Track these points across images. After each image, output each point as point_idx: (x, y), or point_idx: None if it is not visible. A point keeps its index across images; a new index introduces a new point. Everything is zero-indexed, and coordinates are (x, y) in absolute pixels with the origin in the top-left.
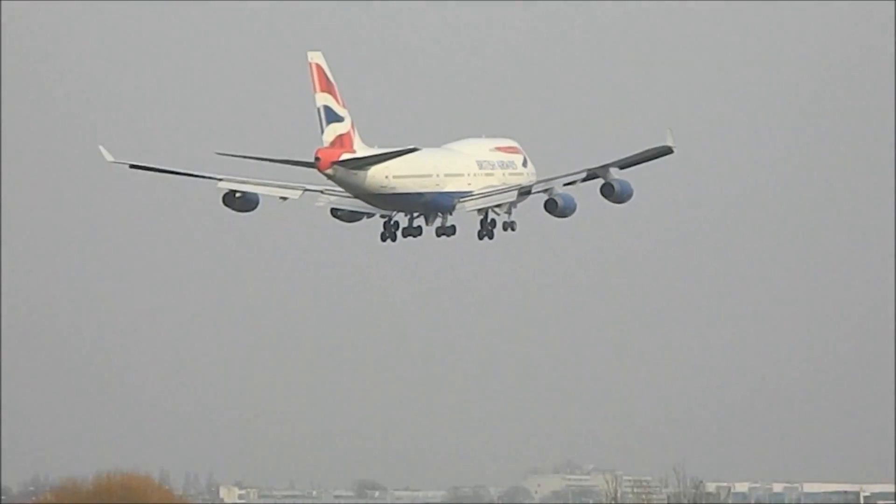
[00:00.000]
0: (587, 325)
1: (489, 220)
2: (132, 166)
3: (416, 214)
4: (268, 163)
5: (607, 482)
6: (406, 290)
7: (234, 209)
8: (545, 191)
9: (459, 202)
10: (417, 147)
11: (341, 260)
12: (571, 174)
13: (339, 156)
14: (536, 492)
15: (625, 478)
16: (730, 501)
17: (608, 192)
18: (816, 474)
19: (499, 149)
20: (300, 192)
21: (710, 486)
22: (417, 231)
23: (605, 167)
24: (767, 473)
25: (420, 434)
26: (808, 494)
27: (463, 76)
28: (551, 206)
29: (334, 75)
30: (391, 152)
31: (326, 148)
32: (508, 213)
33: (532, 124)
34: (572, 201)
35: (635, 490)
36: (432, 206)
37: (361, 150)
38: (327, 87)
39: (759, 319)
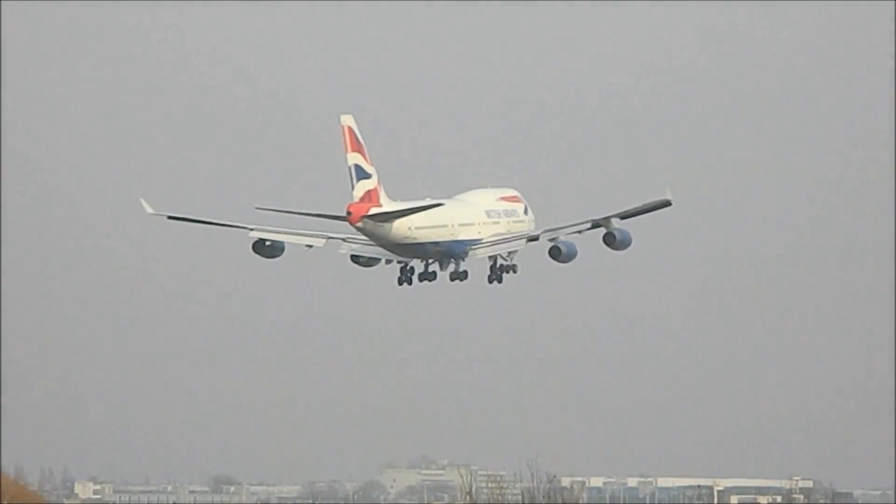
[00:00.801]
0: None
1: (498, 266)
2: (170, 217)
3: (431, 260)
4: (291, 214)
5: (462, 477)
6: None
7: (262, 256)
8: (550, 238)
9: (471, 249)
10: (443, 202)
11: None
12: (577, 224)
13: (369, 210)
14: (392, 487)
15: (479, 472)
16: (584, 496)
17: (610, 240)
18: (670, 469)
19: (503, 198)
20: (324, 241)
21: (565, 481)
22: (432, 276)
23: (608, 218)
24: (622, 468)
25: (275, 429)
26: (662, 489)
27: (465, 129)
28: (555, 253)
29: (363, 136)
30: (417, 207)
31: (357, 203)
32: (509, 257)
33: (530, 174)
34: (574, 248)
35: (490, 485)
36: (447, 254)
37: (387, 204)
38: (357, 148)
39: (642, 319)
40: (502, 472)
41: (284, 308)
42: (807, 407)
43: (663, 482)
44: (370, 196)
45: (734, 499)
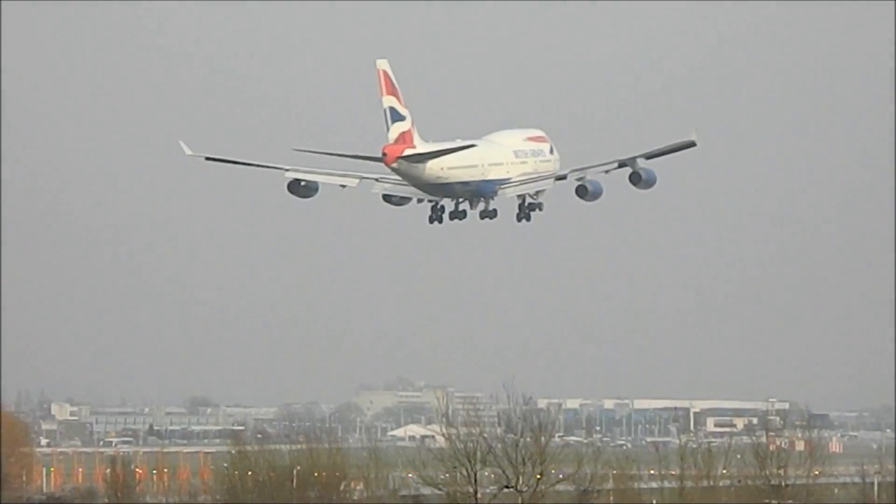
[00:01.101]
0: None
1: (527, 204)
2: (207, 158)
3: (461, 199)
4: (323, 155)
5: (438, 399)
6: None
7: (297, 195)
8: (578, 178)
9: (501, 188)
10: (475, 144)
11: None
12: (604, 164)
13: (403, 151)
14: (368, 408)
15: (456, 394)
16: (560, 418)
17: (636, 179)
18: (647, 391)
19: (530, 139)
20: (357, 180)
21: (542, 403)
22: (463, 214)
23: (634, 158)
24: (598, 390)
25: (252, 351)
26: (638, 411)
27: (497, 74)
28: (581, 192)
29: (397, 79)
30: (451, 148)
31: (392, 144)
32: (537, 195)
33: (556, 116)
34: (600, 187)
35: (466, 406)
36: (477, 193)
37: (420, 146)
38: (392, 91)
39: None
40: (478, 394)
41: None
42: (783, 330)
43: (640, 404)
44: (404, 137)
45: (710, 420)
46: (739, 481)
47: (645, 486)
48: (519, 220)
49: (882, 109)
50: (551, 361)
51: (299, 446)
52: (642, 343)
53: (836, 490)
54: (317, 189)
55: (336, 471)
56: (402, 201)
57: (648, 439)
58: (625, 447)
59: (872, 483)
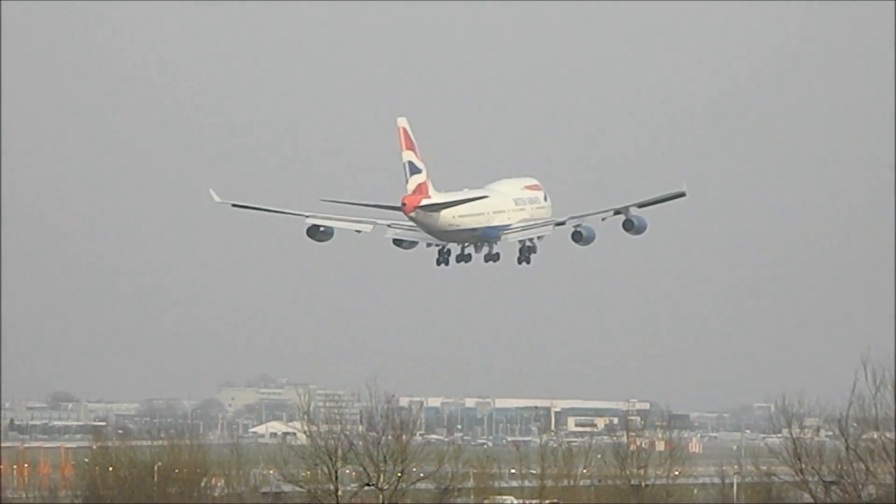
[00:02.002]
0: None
1: (526, 248)
2: (234, 205)
3: (466, 244)
4: (336, 202)
5: (300, 396)
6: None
7: (314, 240)
8: (575, 224)
9: (504, 234)
10: (487, 195)
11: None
12: (601, 211)
13: (420, 201)
14: (230, 405)
15: (318, 392)
16: (422, 416)
17: (629, 226)
18: (508, 390)
19: (527, 187)
20: (371, 226)
21: (403, 401)
22: (468, 258)
23: (627, 207)
24: (460, 389)
25: (114, 346)
26: (500, 410)
27: (494, 128)
28: (577, 237)
29: (415, 135)
30: (464, 199)
31: (410, 195)
32: (538, 240)
33: (550, 167)
34: (593, 233)
35: (328, 404)
36: (482, 238)
37: (435, 196)
38: (410, 146)
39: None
40: (340, 392)
41: None
42: (643, 331)
43: (501, 403)
44: (421, 189)
45: (571, 420)
46: (600, 481)
47: (505, 485)
48: (520, 262)
49: (882, 109)
50: (413, 360)
51: (161, 442)
52: (504, 342)
53: (695, 490)
54: (332, 234)
55: (197, 467)
56: (410, 245)
57: (509, 438)
58: (486, 446)
59: (732, 484)
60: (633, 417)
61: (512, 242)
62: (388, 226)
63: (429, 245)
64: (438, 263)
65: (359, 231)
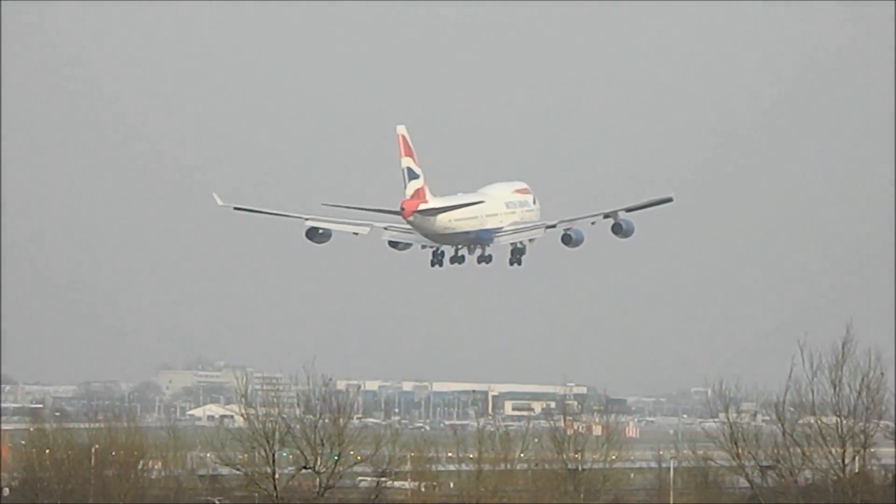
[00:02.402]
0: None
1: (517, 250)
2: (236, 208)
3: (460, 246)
4: (338, 206)
5: (237, 379)
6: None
7: (313, 241)
8: (566, 228)
9: (496, 237)
10: (483, 200)
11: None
12: (591, 215)
13: (418, 206)
14: (168, 388)
15: (255, 375)
16: (359, 399)
17: (617, 230)
18: (446, 374)
19: (517, 191)
20: (368, 229)
21: (341, 384)
22: (461, 259)
23: (616, 211)
24: (398, 373)
25: (51, 328)
26: (437, 393)
27: (490, 134)
28: (566, 239)
29: (413, 142)
30: (460, 204)
31: (409, 200)
32: (530, 242)
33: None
34: (582, 235)
35: (265, 387)
36: (476, 241)
37: (432, 201)
38: (409, 153)
39: None
40: (278, 375)
41: None
42: (581, 316)
43: (439, 387)
44: (419, 194)
45: (508, 404)
46: (537, 465)
47: (443, 469)
48: (511, 263)
49: (882, 110)
50: (351, 343)
51: (98, 425)
52: (442, 326)
53: (632, 475)
54: (330, 236)
55: (134, 450)
56: (405, 247)
57: (447, 422)
58: (423, 429)
59: (668, 468)
60: (571, 402)
61: (504, 245)
62: (385, 228)
63: (423, 247)
64: (433, 265)
65: (356, 233)
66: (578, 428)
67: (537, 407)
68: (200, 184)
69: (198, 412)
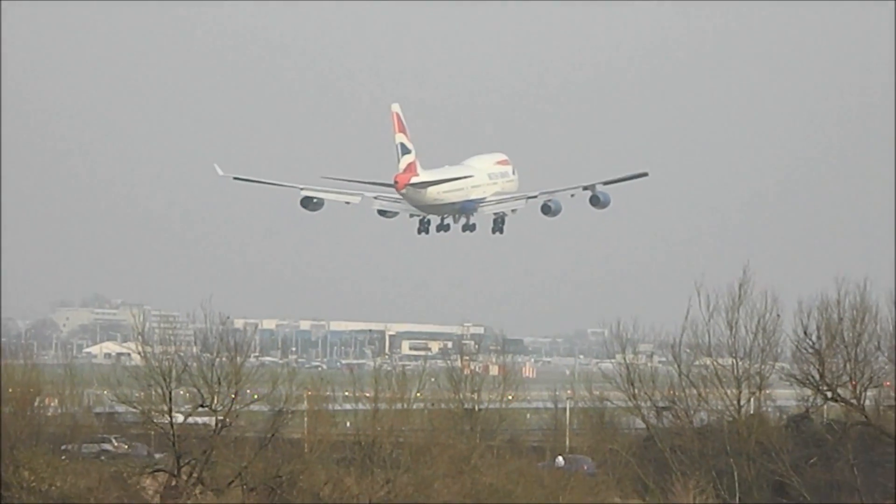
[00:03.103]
0: None
1: (500, 219)
2: (235, 178)
3: (446, 215)
4: (336, 179)
5: (134, 317)
6: None
7: (307, 209)
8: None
9: (480, 206)
10: (472, 175)
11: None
12: (570, 188)
13: (410, 179)
14: (64, 325)
15: (153, 313)
16: (256, 338)
17: (595, 201)
18: (343, 313)
19: (498, 162)
20: (360, 198)
21: (238, 323)
22: (447, 228)
23: (594, 185)
24: (295, 312)
25: None
26: (334, 332)
27: (472, 109)
28: (546, 209)
29: (407, 120)
30: (450, 178)
31: (402, 174)
32: (511, 212)
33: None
34: (560, 206)
35: (162, 325)
36: (461, 211)
37: (422, 174)
38: (402, 129)
39: None
40: (175, 313)
41: None
42: (478, 256)
43: (336, 326)
44: (411, 168)
45: (405, 344)
46: (433, 404)
47: (339, 408)
48: (493, 231)
49: (882, 111)
50: (248, 282)
51: None
52: (340, 265)
53: (528, 415)
54: (323, 204)
55: (30, 387)
56: (393, 215)
57: (343, 361)
58: (320, 368)
59: (564, 409)
60: (468, 342)
61: (487, 214)
62: (375, 198)
63: (411, 216)
64: (419, 232)
65: (347, 202)
66: (475, 368)
67: (434, 347)
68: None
69: (95, 350)
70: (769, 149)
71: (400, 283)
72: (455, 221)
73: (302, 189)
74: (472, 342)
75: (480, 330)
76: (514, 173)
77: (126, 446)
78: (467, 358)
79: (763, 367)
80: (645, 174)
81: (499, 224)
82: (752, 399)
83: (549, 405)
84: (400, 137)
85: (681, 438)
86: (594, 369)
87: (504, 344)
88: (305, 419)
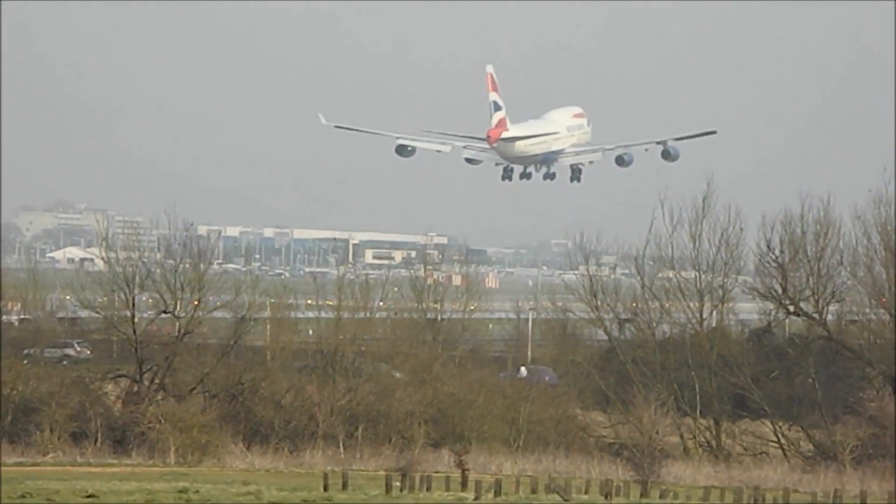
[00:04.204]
0: None
1: (577, 169)
2: (336, 126)
3: (528, 165)
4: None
5: (98, 222)
6: None
7: (401, 156)
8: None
9: (560, 157)
10: (558, 132)
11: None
12: (646, 142)
13: (501, 134)
14: (28, 229)
15: (116, 218)
16: (220, 245)
17: (666, 155)
18: (307, 221)
19: (574, 115)
20: (450, 147)
21: (202, 230)
22: (529, 176)
23: (665, 140)
24: (259, 219)
25: None
26: (298, 241)
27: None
28: (619, 161)
29: (499, 80)
30: (537, 134)
31: (494, 129)
32: (588, 163)
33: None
34: (632, 158)
35: (126, 230)
36: (543, 161)
37: (512, 129)
38: (495, 88)
39: None
40: (139, 219)
41: None
42: (441, 168)
43: (299, 234)
44: (502, 123)
45: (369, 252)
46: (396, 313)
47: (302, 316)
48: (571, 181)
49: (882, 111)
50: (212, 189)
51: None
52: (301, 173)
53: (490, 325)
54: (415, 152)
55: None
56: (478, 163)
57: (307, 269)
58: (283, 276)
59: (527, 319)
60: (431, 251)
61: (565, 164)
62: (464, 147)
63: (496, 164)
64: (503, 179)
65: (439, 150)
66: (438, 278)
67: (398, 256)
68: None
69: (58, 254)
70: (734, 68)
71: (365, 193)
72: (536, 170)
73: (397, 137)
74: (436, 252)
75: (444, 240)
76: (588, 125)
77: (88, 351)
78: (430, 268)
79: (726, 280)
80: (714, 132)
81: (576, 174)
82: (714, 312)
83: (512, 316)
84: (493, 95)
85: (643, 351)
86: (557, 281)
87: (467, 254)
88: (268, 327)
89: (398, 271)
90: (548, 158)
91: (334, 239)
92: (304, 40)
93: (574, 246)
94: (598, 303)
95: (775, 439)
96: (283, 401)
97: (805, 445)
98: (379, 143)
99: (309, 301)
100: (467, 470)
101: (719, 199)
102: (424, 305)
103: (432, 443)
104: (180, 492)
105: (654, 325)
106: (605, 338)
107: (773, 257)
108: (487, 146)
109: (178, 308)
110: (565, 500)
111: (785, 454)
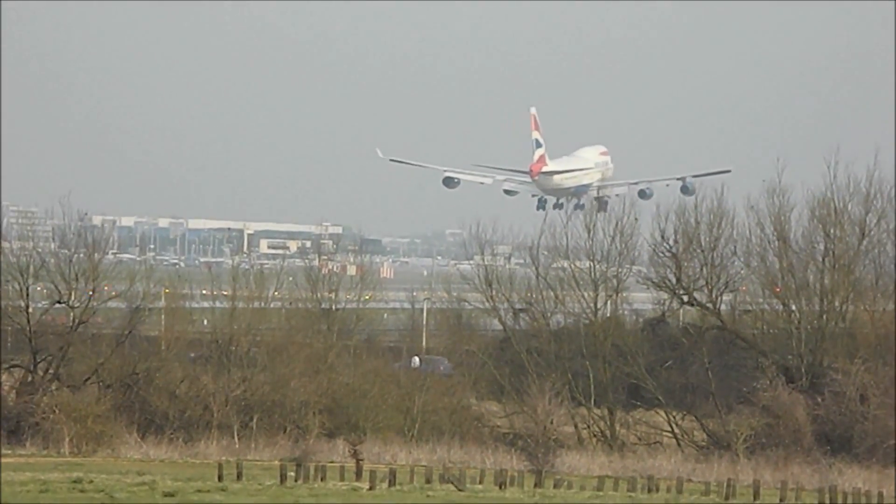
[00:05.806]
0: None
1: (603, 201)
2: (391, 160)
3: (560, 197)
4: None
5: None
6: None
7: (448, 187)
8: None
9: (589, 191)
10: (592, 167)
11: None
12: (666, 178)
13: (542, 169)
14: None
15: (11, 208)
16: (115, 235)
17: (685, 190)
18: (202, 211)
19: (601, 153)
20: (491, 180)
21: (96, 220)
22: (561, 206)
23: (685, 177)
24: (154, 209)
25: None
26: (192, 231)
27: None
28: (642, 194)
29: (541, 120)
30: (574, 169)
31: (535, 164)
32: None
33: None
34: (653, 192)
35: (21, 220)
36: (574, 194)
37: (551, 164)
38: (537, 127)
39: None
40: (34, 209)
41: None
42: (333, 154)
43: (194, 224)
44: (542, 159)
45: (264, 242)
46: (291, 303)
47: (196, 306)
48: (598, 211)
49: (882, 111)
50: (107, 178)
51: None
52: (198, 163)
53: (385, 315)
54: (459, 183)
55: None
56: (515, 193)
57: (202, 259)
58: (178, 266)
59: (422, 309)
60: (326, 241)
61: (592, 196)
62: (504, 180)
63: (532, 196)
64: (538, 209)
65: (482, 183)
66: (333, 267)
67: (293, 246)
68: None
69: None
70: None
71: (259, 182)
72: (567, 202)
73: (444, 170)
74: (331, 242)
75: (339, 230)
76: (611, 162)
77: None
78: (325, 257)
79: (620, 270)
80: (728, 170)
81: (603, 205)
82: (608, 302)
83: (407, 306)
84: (535, 134)
85: (537, 340)
86: (452, 270)
87: (362, 244)
88: (163, 316)
89: (293, 261)
90: (579, 191)
91: (229, 229)
92: (305, 44)
93: (469, 236)
94: (493, 292)
95: (669, 429)
96: (177, 391)
97: (699, 435)
98: (283, 133)
99: (204, 291)
100: (362, 460)
101: (614, 189)
102: (319, 295)
103: (327, 433)
104: (74, 482)
105: (549, 314)
106: (500, 327)
107: (668, 247)
108: (528, 179)
109: (73, 298)
110: (459, 490)
111: (679, 444)
